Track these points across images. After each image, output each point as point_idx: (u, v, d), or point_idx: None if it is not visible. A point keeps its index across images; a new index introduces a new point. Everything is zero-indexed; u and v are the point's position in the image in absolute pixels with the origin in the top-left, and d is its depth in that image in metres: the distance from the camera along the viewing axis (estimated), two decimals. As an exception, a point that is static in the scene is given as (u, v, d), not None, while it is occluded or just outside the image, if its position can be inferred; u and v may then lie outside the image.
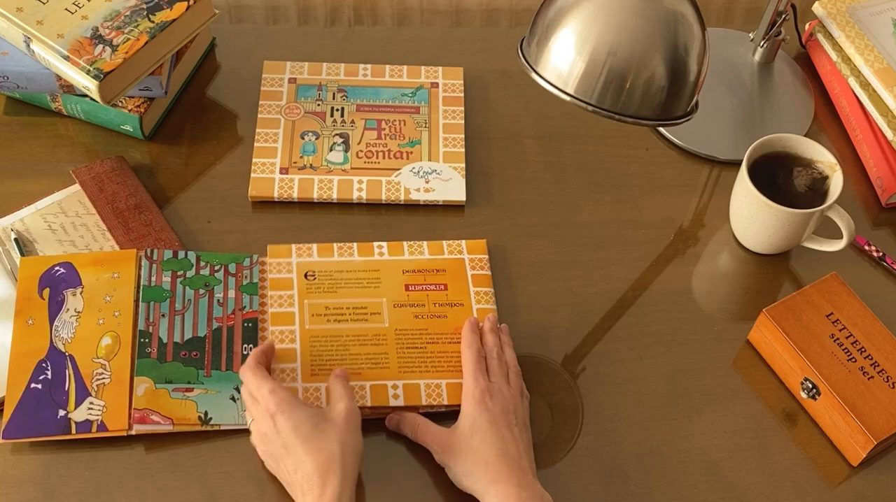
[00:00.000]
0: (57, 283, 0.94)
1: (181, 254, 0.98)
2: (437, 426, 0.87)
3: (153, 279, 0.95)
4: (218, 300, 0.96)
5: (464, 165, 1.08)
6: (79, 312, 0.93)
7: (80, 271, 0.95)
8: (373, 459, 0.88)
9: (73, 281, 0.95)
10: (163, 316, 0.94)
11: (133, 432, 0.88)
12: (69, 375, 0.90)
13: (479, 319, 0.94)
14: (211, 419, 0.89)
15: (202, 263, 0.98)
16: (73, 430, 0.87)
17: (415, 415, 0.89)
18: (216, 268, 0.98)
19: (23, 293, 0.94)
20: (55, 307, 0.93)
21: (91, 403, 0.89)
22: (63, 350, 0.91)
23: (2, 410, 0.89)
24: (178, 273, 0.96)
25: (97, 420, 0.88)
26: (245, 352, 0.93)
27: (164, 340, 0.92)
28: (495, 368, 0.89)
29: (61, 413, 0.88)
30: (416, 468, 0.89)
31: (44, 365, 0.90)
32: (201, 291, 0.96)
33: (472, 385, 0.87)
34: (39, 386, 0.89)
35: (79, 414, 0.88)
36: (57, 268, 0.95)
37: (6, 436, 0.87)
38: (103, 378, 0.90)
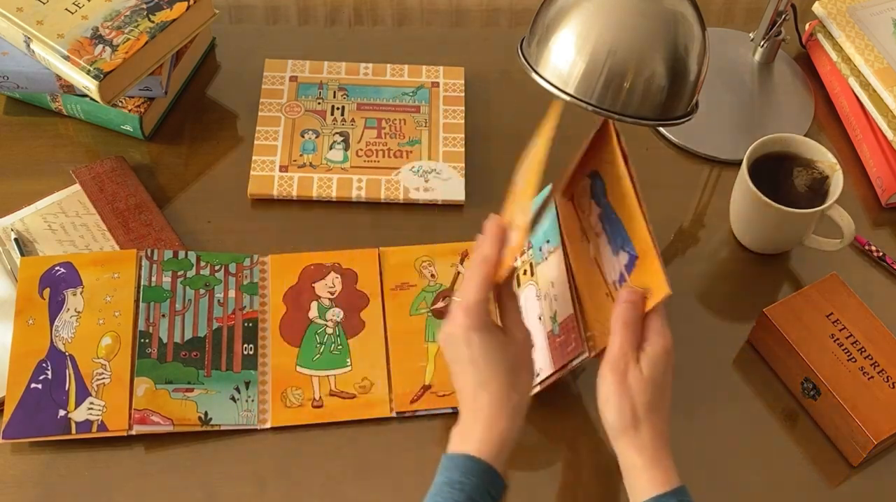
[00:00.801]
0: (57, 283, 0.94)
1: (181, 254, 0.98)
2: (633, 344, 0.78)
3: (153, 279, 0.95)
4: (218, 300, 0.96)
5: (463, 165, 1.08)
6: (79, 312, 0.93)
7: (81, 271, 0.95)
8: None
9: (73, 281, 0.95)
10: (163, 316, 0.94)
11: (133, 432, 0.88)
12: (69, 375, 0.90)
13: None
14: (211, 419, 0.89)
15: (202, 263, 0.98)
16: (74, 430, 0.87)
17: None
18: (216, 268, 0.98)
19: (23, 293, 0.94)
20: (55, 307, 0.93)
21: (91, 403, 0.89)
22: (63, 350, 0.91)
23: (2, 410, 0.89)
24: (179, 273, 0.96)
25: (97, 420, 0.88)
26: (245, 353, 0.93)
27: (165, 340, 0.92)
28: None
29: (61, 413, 0.88)
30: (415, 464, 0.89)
31: (44, 365, 0.90)
32: (201, 291, 0.96)
33: (669, 336, 0.79)
34: (39, 386, 0.89)
35: (79, 414, 0.88)
36: (57, 268, 0.95)
37: (6, 436, 0.87)
38: (103, 378, 0.90)
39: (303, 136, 1.09)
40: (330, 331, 0.96)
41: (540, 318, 0.92)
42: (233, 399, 0.90)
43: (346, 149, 1.08)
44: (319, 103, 1.12)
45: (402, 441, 0.91)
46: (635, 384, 0.77)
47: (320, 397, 0.92)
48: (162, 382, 0.90)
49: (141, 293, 0.94)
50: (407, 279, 1.00)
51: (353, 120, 1.11)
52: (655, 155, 1.12)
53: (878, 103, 1.11)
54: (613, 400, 0.77)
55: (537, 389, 0.89)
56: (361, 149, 1.08)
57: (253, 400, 0.91)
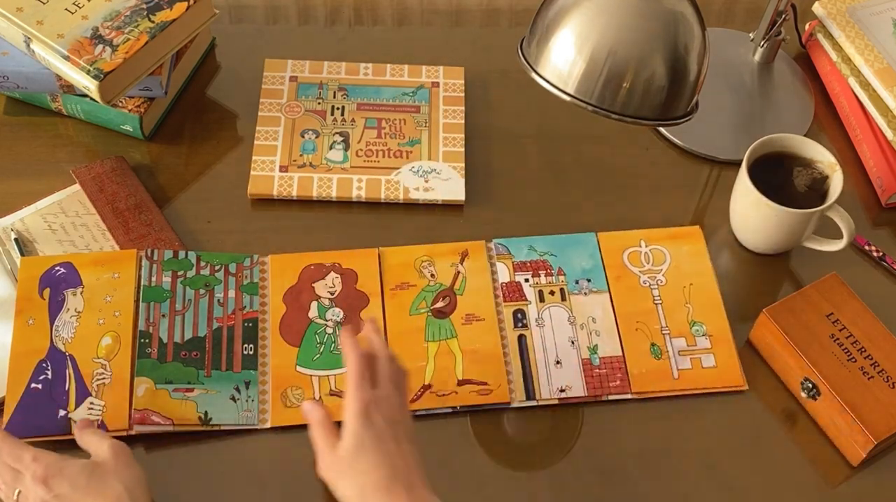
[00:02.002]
0: (57, 283, 0.94)
1: (181, 254, 0.98)
2: (329, 440, 0.78)
3: (153, 279, 0.95)
4: (218, 300, 0.96)
5: (463, 165, 1.08)
6: (79, 312, 0.93)
7: (81, 271, 0.95)
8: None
9: (73, 281, 0.95)
10: (163, 316, 0.94)
11: (133, 432, 0.88)
12: (69, 375, 0.90)
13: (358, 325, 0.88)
14: (211, 419, 0.89)
15: (202, 263, 0.98)
16: (73, 431, 0.87)
17: (326, 417, 0.80)
18: (216, 267, 0.98)
19: (23, 293, 0.94)
20: (55, 307, 0.93)
21: (91, 403, 0.89)
22: (63, 350, 0.91)
23: (2, 410, 0.89)
24: (179, 273, 0.96)
25: (97, 420, 0.88)
26: (245, 353, 0.93)
27: (165, 340, 0.92)
28: (386, 371, 0.82)
29: (61, 413, 0.88)
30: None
31: (44, 365, 0.90)
32: (201, 291, 0.96)
33: (353, 397, 0.78)
34: (39, 386, 0.89)
35: (79, 414, 0.88)
36: (57, 268, 0.95)
37: None
38: (103, 378, 0.90)
39: (303, 136, 1.09)
40: (330, 330, 0.96)
41: (573, 343, 0.96)
42: (233, 399, 0.90)
43: (346, 149, 1.08)
44: (319, 103, 1.12)
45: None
46: (344, 464, 0.77)
47: (320, 397, 0.92)
48: (162, 382, 0.90)
49: (141, 293, 0.94)
50: (407, 279, 1.00)
51: (353, 120, 1.11)
52: (655, 155, 1.12)
53: (878, 103, 1.11)
54: (335, 487, 0.78)
55: (556, 401, 0.93)
56: (361, 150, 1.08)
57: (253, 400, 0.91)
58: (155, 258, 0.96)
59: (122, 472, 0.79)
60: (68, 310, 0.93)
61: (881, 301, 0.98)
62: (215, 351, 0.93)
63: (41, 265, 0.96)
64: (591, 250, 1.03)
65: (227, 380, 0.91)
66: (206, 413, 0.89)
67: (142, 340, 0.92)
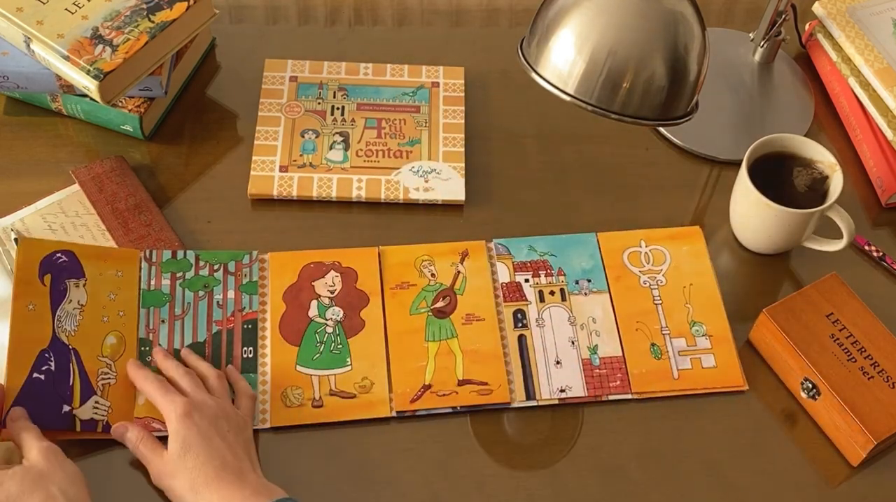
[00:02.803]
0: (59, 271, 0.92)
1: (180, 254, 0.98)
2: (155, 450, 0.83)
3: (152, 282, 0.95)
4: (217, 302, 0.96)
5: (463, 165, 1.08)
6: (82, 305, 0.92)
7: (83, 262, 0.93)
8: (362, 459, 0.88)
9: (75, 271, 0.92)
10: (162, 322, 0.94)
11: None
12: (73, 369, 0.89)
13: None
14: None
15: (201, 263, 0.98)
16: (78, 428, 0.87)
17: (140, 430, 0.85)
18: (215, 267, 0.98)
19: (22, 276, 0.90)
20: (57, 296, 0.91)
21: (97, 402, 0.88)
22: (67, 342, 0.90)
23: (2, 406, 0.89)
24: (178, 275, 0.96)
25: (103, 420, 0.87)
26: (245, 356, 0.93)
27: (164, 347, 0.92)
28: (186, 383, 0.87)
29: (66, 408, 0.87)
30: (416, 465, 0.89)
31: (47, 355, 0.88)
32: (200, 293, 0.96)
33: (170, 406, 0.83)
34: (42, 376, 0.87)
35: (84, 412, 0.88)
36: (58, 254, 0.92)
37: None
38: (109, 378, 0.90)
39: (303, 136, 1.09)
40: (330, 330, 0.96)
41: (573, 343, 0.96)
42: (233, 400, 0.90)
43: (346, 149, 1.08)
44: (319, 103, 1.12)
45: (402, 441, 0.91)
46: (173, 466, 0.81)
47: (320, 397, 0.92)
48: None
49: (140, 298, 0.94)
50: (407, 278, 1.00)
51: (353, 120, 1.11)
52: (655, 155, 1.12)
53: (878, 103, 1.11)
54: (169, 490, 0.82)
55: (556, 401, 0.93)
56: (361, 150, 1.08)
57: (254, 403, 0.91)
58: (154, 260, 0.96)
59: (55, 475, 0.78)
60: (71, 301, 0.92)
61: (881, 301, 0.98)
62: (215, 355, 0.93)
63: (42, 249, 0.92)
64: (591, 250, 1.03)
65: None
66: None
67: (142, 348, 0.92)
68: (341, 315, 0.97)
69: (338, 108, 1.12)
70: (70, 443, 0.87)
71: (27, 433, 0.83)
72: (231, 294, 0.96)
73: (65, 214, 1.01)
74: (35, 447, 0.81)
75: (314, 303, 0.97)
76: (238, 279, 0.97)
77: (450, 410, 0.92)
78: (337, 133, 1.09)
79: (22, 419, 0.84)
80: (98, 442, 0.88)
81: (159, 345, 0.92)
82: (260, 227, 1.03)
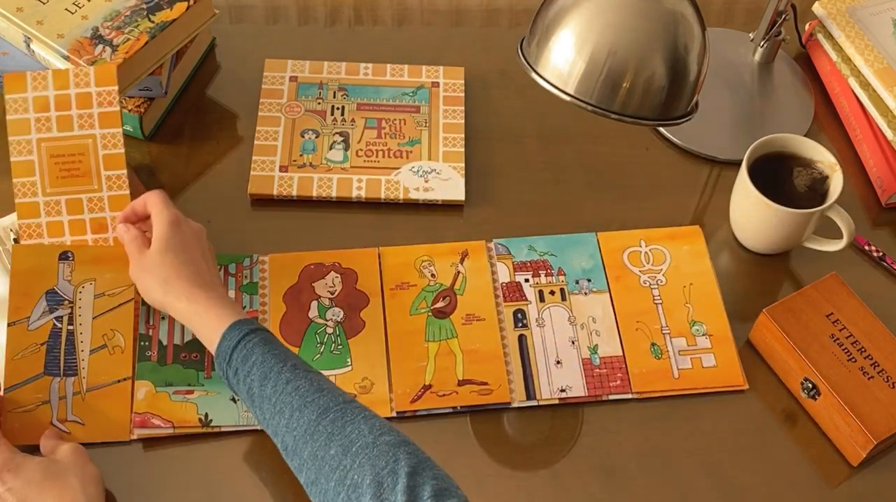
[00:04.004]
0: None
1: None
2: (141, 249, 0.89)
3: None
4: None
5: (463, 165, 1.08)
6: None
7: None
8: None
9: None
10: (162, 318, 0.94)
11: (134, 436, 0.88)
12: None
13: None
14: (211, 421, 0.89)
15: None
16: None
17: (137, 230, 0.91)
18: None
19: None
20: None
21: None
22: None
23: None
24: None
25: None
26: None
27: (164, 343, 0.92)
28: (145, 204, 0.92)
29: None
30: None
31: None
32: None
33: (165, 211, 0.89)
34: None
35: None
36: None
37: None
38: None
39: (303, 136, 1.09)
40: (330, 330, 0.96)
41: (573, 343, 0.96)
42: (233, 400, 0.90)
43: (346, 149, 1.08)
44: (319, 103, 1.12)
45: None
46: (152, 261, 0.87)
47: (320, 397, 0.92)
48: (162, 384, 0.90)
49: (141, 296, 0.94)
50: (407, 279, 1.00)
51: (353, 120, 1.11)
52: (655, 155, 1.12)
53: (878, 103, 1.11)
54: (141, 283, 0.88)
55: (556, 401, 0.93)
56: (361, 149, 1.08)
57: None
58: None
59: (77, 470, 0.81)
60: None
61: (881, 301, 0.98)
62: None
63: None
64: (591, 250, 1.03)
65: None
66: (206, 414, 0.89)
67: (141, 343, 0.92)
68: (341, 315, 0.97)
69: (338, 108, 1.12)
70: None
71: (54, 434, 0.87)
72: (231, 294, 0.96)
73: (65, 214, 1.01)
74: (65, 444, 0.83)
75: (314, 303, 0.97)
76: (238, 280, 0.97)
77: (450, 410, 0.92)
78: (337, 133, 1.09)
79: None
80: (119, 448, 0.88)
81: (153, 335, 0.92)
82: (260, 227, 1.03)
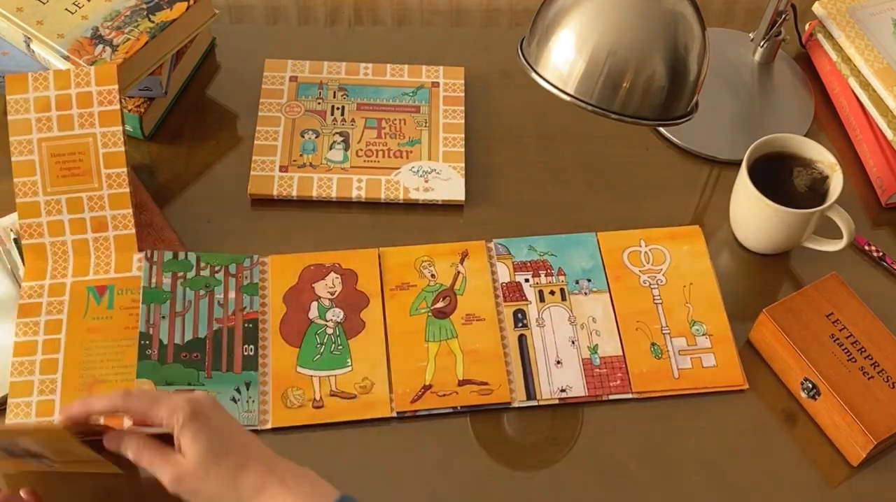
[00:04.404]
0: None
1: (181, 255, 0.98)
2: (164, 454, 0.78)
3: (153, 280, 0.95)
4: (218, 301, 0.96)
5: (463, 165, 1.08)
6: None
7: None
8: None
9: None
10: (163, 317, 0.94)
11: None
12: None
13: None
14: None
15: (202, 264, 0.98)
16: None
17: (139, 436, 0.79)
18: (216, 268, 0.98)
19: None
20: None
21: None
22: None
23: (3, 409, 0.89)
24: (179, 274, 0.96)
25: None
26: (246, 354, 0.93)
27: (165, 342, 0.92)
28: (154, 404, 0.78)
29: None
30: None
31: None
32: (201, 292, 0.96)
33: (168, 409, 0.77)
34: None
35: None
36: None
37: None
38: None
39: (303, 136, 1.09)
40: (330, 331, 0.96)
41: (573, 342, 0.96)
42: (233, 400, 0.90)
43: (346, 149, 1.08)
44: (319, 103, 1.12)
45: (403, 441, 0.91)
46: (197, 474, 0.76)
47: (321, 397, 0.92)
48: (162, 383, 0.90)
49: (141, 294, 0.94)
50: (407, 279, 1.00)
51: (353, 120, 1.11)
52: (655, 155, 1.12)
53: (878, 103, 1.11)
54: (195, 498, 0.77)
55: (557, 401, 0.93)
56: (361, 149, 1.08)
57: (254, 401, 0.91)
58: (155, 259, 0.96)
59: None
60: None
61: (881, 301, 0.98)
62: (216, 352, 0.93)
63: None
64: (591, 250, 1.03)
65: (227, 381, 0.91)
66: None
67: (142, 342, 0.92)
68: (342, 316, 0.97)
69: (338, 108, 1.12)
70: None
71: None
72: (232, 294, 0.97)
73: (65, 214, 1.01)
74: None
75: (314, 304, 0.97)
76: (239, 280, 0.97)
77: (450, 410, 0.92)
78: (337, 133, 1.09)
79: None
80: (97, 441, 0.88)
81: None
82: (260, 227, 1.03)
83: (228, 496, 0.76)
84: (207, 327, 0.94)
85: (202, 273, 0.97)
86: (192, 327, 0.94)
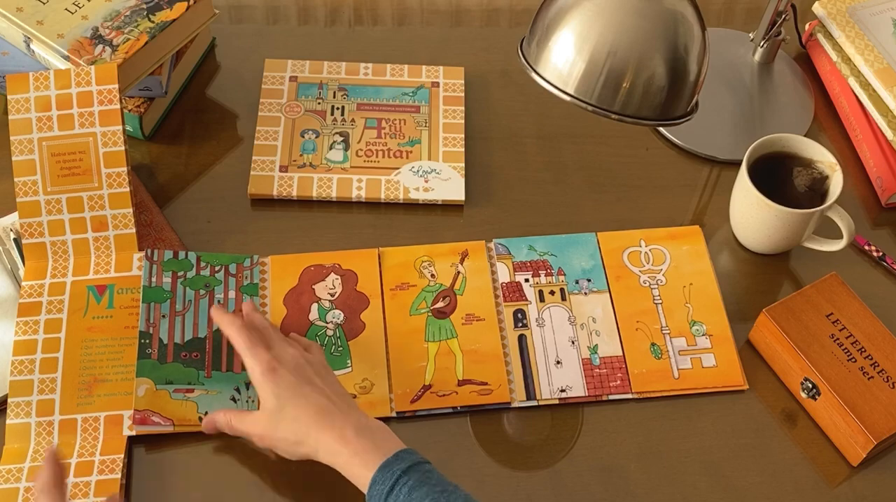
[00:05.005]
0: None
1: (181, 254, 0.98)
2: (249, 413, 0.84)
3: (153, 280, 0.95)
4: (218, 300, 0.96)
5: (463, 165, 1.08)
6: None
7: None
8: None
9: None
10: (163, 316, 0.94)
11: (133, 433, 0.88)
12: None
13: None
14: None
15: (202, 264, 0.98)
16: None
17: (224, 411, 0.86)
18: (216, 268, 0.98)
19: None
20: None
21: None
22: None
23: (4, 409, 0.89)
24: (179, 273, 0.96)
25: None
26: None
27: (165, 341, 0.92)
28: (271, 334, 0.88)
29: None
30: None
31: None
32: (202, 292, 0.96)
33: (254, 362, 0.83)
34: None
35: None
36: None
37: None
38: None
39: (303, 136, 1.09)
40: (330, 332, 0.96)
41: (573, 343, 0.96)
42: (233, 399, 0.90)
43: (346, 149, 1.08)
44: (319, 103, 1.12)
45: (403, 441, 0.91)
46: (267, 425, 0.83)
47: (320, 397, 0.92)
48: (162, 383, 0.90)
49: (141, 293, 0.94)
50: (407, 279, 1.00)
51: (353, 120, 1.11)
52: (655, 155, 1.12)
53: (878, 103, 1.11)
54: (270, 444, 0.84)
55: (556, 401, 0.93)
56: (361, 150, 1.08)
57: (253, 401, 0.91)
58: (155, 258, 0.96)
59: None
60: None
61: (881, 301, 0.98)
62: (215, 351, 0.93)
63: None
64: (591, 250, 1.03)
65: (227, 381, 0.91)
66: (206, 413, 0.89)
67: (142, 341, 0.92)
68: (342, 318, 0.97)
69: (338, 108, 1.12)
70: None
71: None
72: (232, 294, 0.97)
73: (65, 214, 1.01)
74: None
75: (315, 306, 0.97)
76: (239, 280, 0.97)
77: (450, 410, 0.92)
78: (337, 133, 1.09)
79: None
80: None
81: (160, 338, 0.92)
82: (260, 227, 1.03)
83: (293, 451, 0.82)
84: (207, 327, 0.94)
85: (202, 272, 0.97)
86: (192, 327, 0.94)
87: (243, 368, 0.92)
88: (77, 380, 0.89)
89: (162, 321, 0.93)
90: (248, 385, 0.92)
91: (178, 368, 0.91)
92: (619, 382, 0.94)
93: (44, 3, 1.03)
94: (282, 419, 0.81)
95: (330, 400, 0.82)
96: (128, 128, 1.07)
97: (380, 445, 0.79)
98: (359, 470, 0.78)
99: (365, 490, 0.78)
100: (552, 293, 1.00)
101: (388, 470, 0.77)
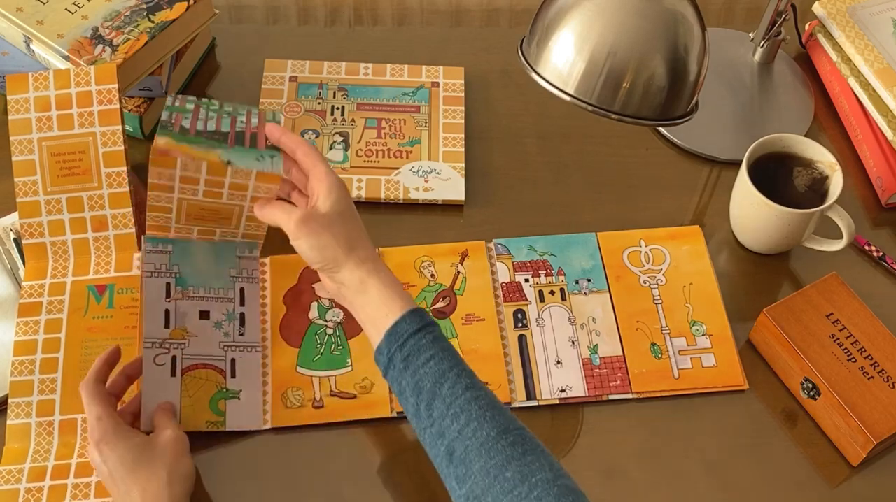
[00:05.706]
0: None
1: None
2: (289, 204, 0.84)
3: (176, 102, 0.87)
4: (241, 120, 0.88)
5: (463, 165, 1.08)
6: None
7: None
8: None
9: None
10: (185, 117, 0.86)
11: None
12: None
13: None
14: (230, 162, 0.83)
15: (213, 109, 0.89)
16: None
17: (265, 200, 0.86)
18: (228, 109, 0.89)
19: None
20: None
21: None
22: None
23: (4, 409, 0.89)
24: (199, 104, 0.88)
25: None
26: (269, 144, 0.86)
27: (187, 126, 0.85)
28: (315, 164, 0.85)
29: None
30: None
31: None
32: (223, 116, 0.88)
33: (330, 171, 0.83)
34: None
35: None
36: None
37: None
38: None
39: (303, 136, 1.09)
40: (330, 331, 0.96)
41: (573, 342, 0.96)
42: (258, 159, 0.84)
43: (346, 149, 1.08)
44: (319, 103, 1.12)
45: (402, 441, 0.91)
46: (324, 221, 0.81)
47: (321, 397, 0.92)
48: (183, 142, 0.83)
49: (162, 114, 0.86)
50: (407, 279, 1.00)
51: (353, 120, 1.11)
52: (655, 155, 1.12)
53: (878, 103, 1.11)
54: (318, 239, 0.81)
55: (556, 401, 0.93)
56: (361, 150, 1.08)
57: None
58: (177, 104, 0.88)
59: (171, 462, 0.81)
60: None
61: (881, 301, 0.98)
62: (238, 139, 0.85)
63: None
64: (591, 250, 1.03)
65: (250, 153, 0.84)
66: (229, 161, 0.82)
67: (163, 120, 0.84)
68: (341, 316, 0.97)
69: (338, 108, 1.12)
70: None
71: (167, 411, 0.86)
72: (255, 120, 0.88)
73: (65, 214, 1.01)
74: (169, 428, 0.84)
75: (314, 305, 0.97)
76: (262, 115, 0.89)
77: (450, 410, 0.92)
78: (337, 133, 1.09)
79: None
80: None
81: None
82: (260, 227, 1.03)
83: (340, 256, 0.81)
84: (231, 127, 0.86)
85: (225, 107, 0.89)
86: (215, 121, 0.86)
87: (267, 145, 0.86)
88: (77, 381, 0.89)
89: (185, 117, 0.86)
90: (273, 158, 0.85)
91: (200, 139, 0.84)
92: (619, 382, 0.94)
93: (44, 3, 1.03)
94: (333, 225, 0.81)
95: (363, 231, 0.83)
96: (128, 127, 1.07)
97: (400, 294, 0.80)
98: (391, 298, 0.79)
99: (384, 321, 0.79)
100: (552, 293, 1.00)
101: (420, 316, 0.79)
